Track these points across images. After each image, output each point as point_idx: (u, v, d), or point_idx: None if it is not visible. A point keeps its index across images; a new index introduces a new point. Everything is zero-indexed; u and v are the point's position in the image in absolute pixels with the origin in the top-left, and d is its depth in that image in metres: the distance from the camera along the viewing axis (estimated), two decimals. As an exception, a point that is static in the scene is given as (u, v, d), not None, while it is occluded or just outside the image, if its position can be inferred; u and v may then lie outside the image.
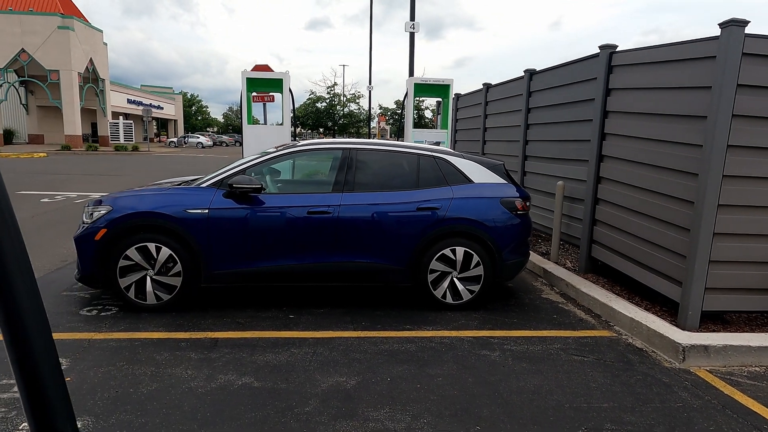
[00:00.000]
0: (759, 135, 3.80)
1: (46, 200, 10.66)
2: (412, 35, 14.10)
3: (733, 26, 3.64)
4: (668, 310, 4.43)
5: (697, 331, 3.94)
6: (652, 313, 4.36)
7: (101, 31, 37.49)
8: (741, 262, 4.01)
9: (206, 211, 4.32)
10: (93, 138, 40.19)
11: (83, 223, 4.38)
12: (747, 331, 4.01)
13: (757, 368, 3.66)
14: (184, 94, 73.14)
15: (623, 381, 3.39)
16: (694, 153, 3.99)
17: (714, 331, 3.99)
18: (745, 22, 3.64)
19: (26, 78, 33.38)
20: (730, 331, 4.00)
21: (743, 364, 3.69)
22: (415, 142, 9.13)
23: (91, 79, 36.69)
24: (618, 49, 5.26)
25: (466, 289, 4.66)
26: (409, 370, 3.44)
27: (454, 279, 4.65)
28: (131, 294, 4.32)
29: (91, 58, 35.54)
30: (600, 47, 5.40)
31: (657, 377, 3.46)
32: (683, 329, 3.96)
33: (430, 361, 3.60)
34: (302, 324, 4.23)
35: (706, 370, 3.60)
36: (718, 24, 3.75)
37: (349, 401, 3.02)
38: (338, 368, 3.44)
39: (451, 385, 3.24)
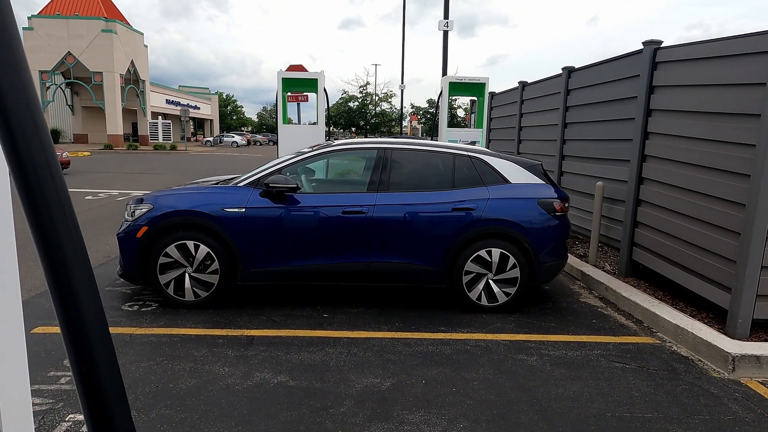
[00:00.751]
0: (818, 134, 3.58)
1: (89, 198, 11.06)
2: (445, 33, 13.98)
3: (791, 19, 3.44)
4: (715, 317, 4.24)
5: (748, 340, 3.75)
6: (698, 320, 4.18)
7: (142, 34, 38.71)
8: (796, 269, 3.79)
9: (243, 210, 4.38)
10: (133, 137, 41.53)
11: (125, 220, 4.51)
12: (802, 342, 3.80)
13: (814, 381, 3.45)
14: (220, 95, 74.78)
15: (668, 390, 3.25)
16: (746, 153, 3.80)
17: (766, 340, 3.80)
18: (805, 15, 3.44)
19: (72, 80, 34.81)
20: (784, 341, 3.79)
21: (798, 376, 3.49)
22: (449, 141, 9.05)
23: (132, 81, 37.93)
24: (663, 44, 5.07)
25: (502, 291, 4.57)
26: (445, 373, 3.40)
27: (490, 281, 4.57)
28: (170, 290, 4.42)
29: (132, 60, 36.74)
30: (644, 43, 5.21)
31: (704, 388, 3.31)
32: (732, 338, 3.78)
33: (465, 364, 3.55)
34: (336, 323, 4.24)
35: (758, 382, 3.42)
36: (774, 17, 3.56)
37: (384, 403, 3.00)
38: (372, 369, 3.43)
39: (488, 390, 3.18)
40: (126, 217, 4.54)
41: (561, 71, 7.30)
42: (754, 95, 3.75)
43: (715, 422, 2.89)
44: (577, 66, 7.02)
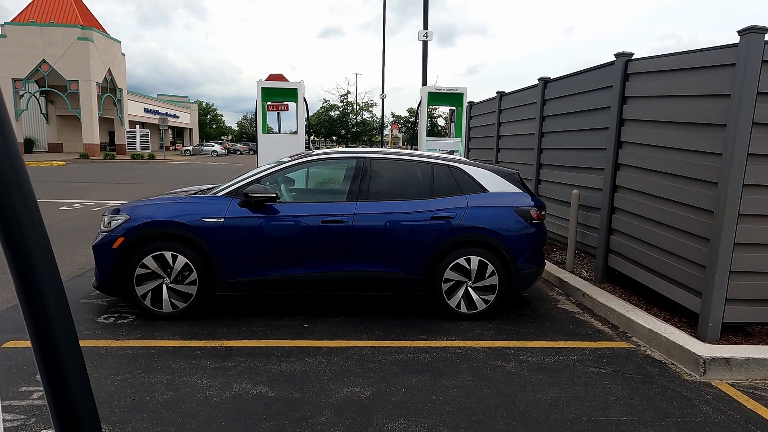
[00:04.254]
0: (780, 143, 3.73)
1: (64, 208, 10.84)
2: (425, 44, 14.14)
3: (753, 33, 3.59)
4: (688, 321, 4.35)
5: (718, 343, 3.86)
6: (671, 324, 4.28)
7: (119, 42, 38.26)
8: (763, 273, 3.92)
9: (222, 219, 4.36)
10: (110, 146, 40.90)
11: (101, 231, 4.44)
12: (770, 344, 3.92)
13: (781, 382, 3.56)
14: (200, 103, 74.08)
15: (642, 394, 3.32)
16: (714, 162, 3.93)
17: (735, 343, 3.91)
18: (765, 30, 3.59)
19: (47, 88, 34.15)
20: (753, 344, 3.91)
21: (767, 378, 3.60)
22: (428, 150, 9.13)
23: (109, 89, 37.40)
24: (634, 56, 5.23)
25: (481, 298, 4.62)
26: (424, 381, 3.42)
27: (469, 288, 4.61)
28: (147, 302, 4.36)
29: (109, 68, 36.25)
30: (615, 55, 5.36)
31: (677, 390, 3.39)
32: (704, 341, 3.88)
33: (445, 371, 3.57)
34: (316, 333, 4.23)
35: (728, 384, 3.52)
36: (737, 31, 3.70)
37: (364, 412, 3.00)
38: (352, 378, 3.43)
39: (467, 397, 3.21)
40: (102, 227, 4.47)
41: (537, 81, 7.45)
42: (720, 106, 3.89)
43: (687, 424, 2.96)
44: (552, 76, 7.17)
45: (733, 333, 4.09)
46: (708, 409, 3.15)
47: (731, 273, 3.85)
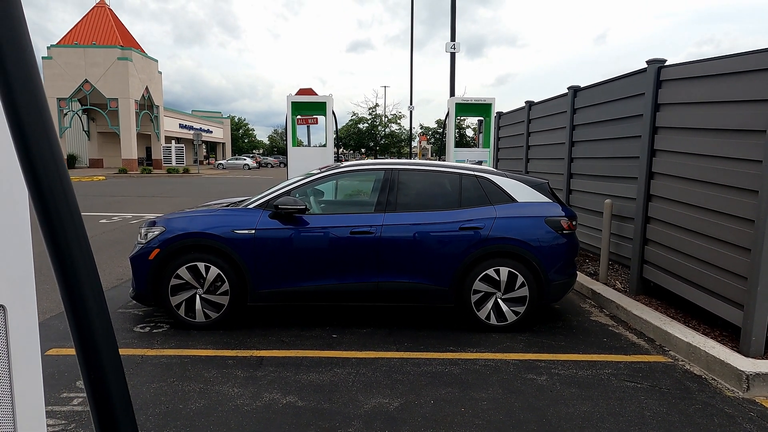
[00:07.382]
0: (825, 149, 3.57)
1: (104, 221, 11.24)
2: (452, 55, 14.17)
3: (792, 36, 3.47)
4: (729, 335, 4.18)
5: (762, 358, 3.69)
6: (711, 337, 4.12)
7: (156, 61, 39.68)
8: (809, 285, 3.74)
9: (253, 231, 4.45)
10: (147, 161, 42.26)
11: (138, 243, 4.59)
12: (819, 359, 3.73)
13: (831, 400, 3.38)
14: (232, 118, 75.98)
15: (681, 410, 3.20)
16: (753, 168, 3.79)
17: (781, 358, 3.73)
18: (806, 32, 3.47)
19: (88, 106, 35.65)
20: (800, 359, 3.72)
21: (816, 395, 3.42)
22: (456, 161, 9.12)
23: (147, 106, 38.76)
24: (667, 63, 5.12)
25: (511, 310, 4.56)
26: (453, 393, 3.38)
27: (498, 300, 4.56)
28: (181, 312, 4.47)
29: (147, 86, 37.61)
30: (647, 62, 5.26)
31: (718, 407, 3.26)
32: (746, 356, 3.72)
33: (474, 384, 3.53)
34: (345, 344, 4.25)
35: (774, 401, 3.36)
36: (776, 35, 3.59)
37: (393, 423, 2.99)
38: (381, 389, 3.43)
39: (497, 410, 3.16)
40: (139, 239, 4.63)
41: (567, 90, 7.37)
42: (759, 111, 3.76)
43: (730, 442, 2.84)
44: (582, 85, 7.08)
45: (779, 347, 3.91)
46: (752, 427, 3.01)
47: (775, 284, 3.69)
